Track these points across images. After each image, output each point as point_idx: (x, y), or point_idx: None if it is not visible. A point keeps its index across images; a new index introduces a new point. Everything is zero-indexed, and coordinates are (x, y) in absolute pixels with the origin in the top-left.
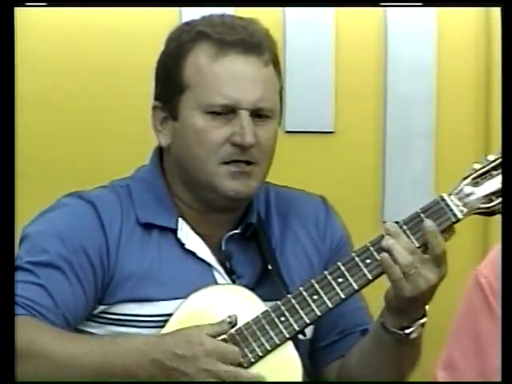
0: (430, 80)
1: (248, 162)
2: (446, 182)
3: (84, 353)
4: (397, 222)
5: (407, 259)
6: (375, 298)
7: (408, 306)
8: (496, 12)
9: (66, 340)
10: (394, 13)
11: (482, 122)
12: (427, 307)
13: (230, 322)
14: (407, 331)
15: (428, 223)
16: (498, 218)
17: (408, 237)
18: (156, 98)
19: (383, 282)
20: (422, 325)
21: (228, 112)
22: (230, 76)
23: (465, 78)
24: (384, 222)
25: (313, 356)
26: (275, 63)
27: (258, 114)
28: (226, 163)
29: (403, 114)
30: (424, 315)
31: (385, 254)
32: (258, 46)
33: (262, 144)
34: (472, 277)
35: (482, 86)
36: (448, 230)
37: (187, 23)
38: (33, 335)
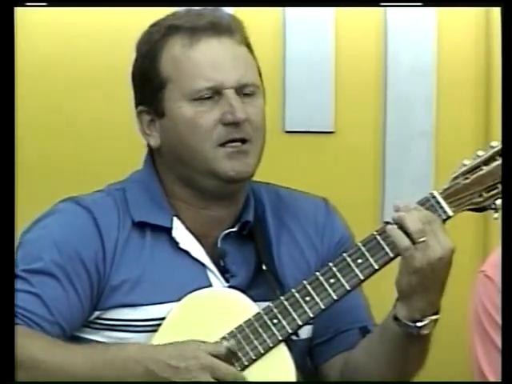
0: (430, 80)
1: (243, 141)
2: (445, 182)
3: (75, 362)
4: (387, 223)
5: (418, 226)
6: (376, 298)
7: (419, 290)
8: (496, 12)
9: (57, 349)
10: (394, 13)
11: (481, 122)
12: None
13: (227, 348)
14: (419, 324)
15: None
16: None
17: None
18: (138, 104)
19: (384, 283)
20: (435, 322)
21: (214, 95)
22: (208, 59)
23: (465, 78)
24: (384, 222)
25: (311, 353)
26: (247, 44)
27: (243, 93)
28: (222, 145)
29: (403, 114)
30: (436, 312)
31: (393, 226)
32: (228, 26)
33: (252, 120)
34: (480, 277)
35: (482, 86)
36: None
37: (153, 24)
38: (25, 344)
